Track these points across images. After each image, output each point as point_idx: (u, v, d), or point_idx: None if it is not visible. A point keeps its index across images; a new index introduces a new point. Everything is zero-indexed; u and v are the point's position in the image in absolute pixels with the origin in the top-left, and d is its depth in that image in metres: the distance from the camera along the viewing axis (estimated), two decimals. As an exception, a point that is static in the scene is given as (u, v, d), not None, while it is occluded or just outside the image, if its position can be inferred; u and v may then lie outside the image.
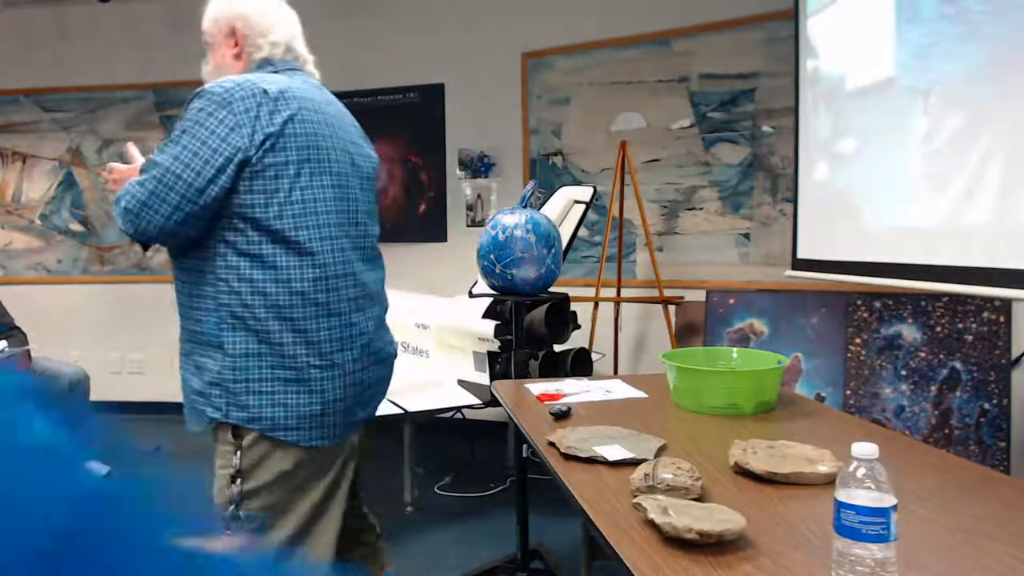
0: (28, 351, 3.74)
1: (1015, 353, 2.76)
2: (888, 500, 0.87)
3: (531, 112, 4.50)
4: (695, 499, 1.15)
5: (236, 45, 1.59)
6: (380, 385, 1.69)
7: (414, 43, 4.67)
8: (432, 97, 4.70)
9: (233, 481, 1.45)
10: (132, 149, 1.66)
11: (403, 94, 4.77)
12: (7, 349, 3.59)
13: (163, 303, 5.78)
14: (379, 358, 1.64)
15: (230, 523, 1.43)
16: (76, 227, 5.32)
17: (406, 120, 4.76)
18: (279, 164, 1.45)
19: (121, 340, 5.22)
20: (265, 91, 1.45)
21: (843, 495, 0.89)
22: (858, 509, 0.87)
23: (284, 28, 1.62)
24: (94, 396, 3.91)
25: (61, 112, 5.26)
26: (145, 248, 1.53)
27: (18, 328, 3.83)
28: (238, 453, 1.46)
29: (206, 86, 1.46)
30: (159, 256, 5.23)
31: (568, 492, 1.24)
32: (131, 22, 5.10)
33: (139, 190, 1.41)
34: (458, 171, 4.69)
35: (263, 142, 1.43)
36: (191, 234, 1.45)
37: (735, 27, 3.89)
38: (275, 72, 1.57)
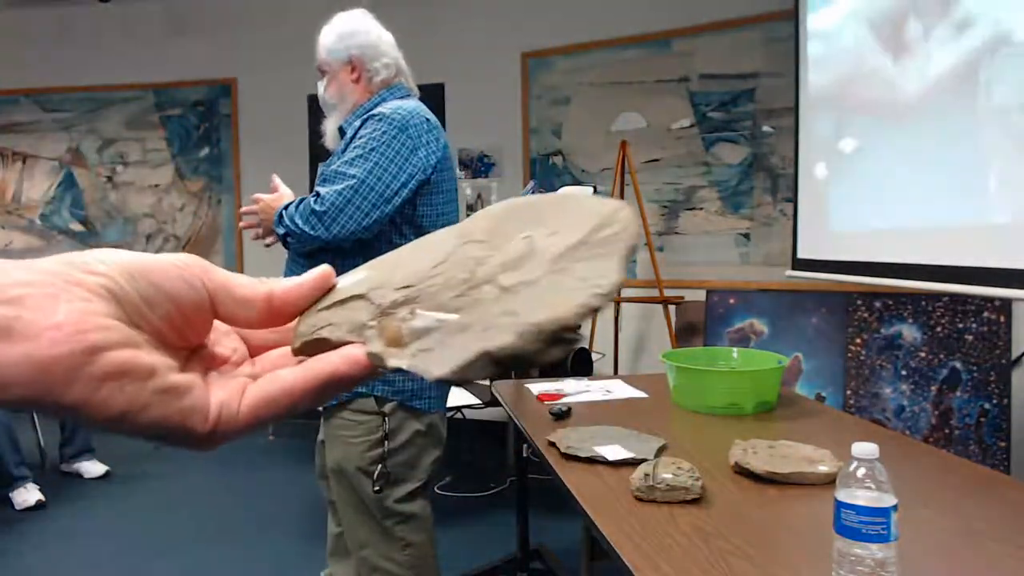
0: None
1: (1015, 353, 2.76)
2: (888, 500, 0.87)
3: (531, 112, 4.50)
4: (695, 499, 1.15)
5: (354, 71, 1.86)
6: None
7: (414, 43, 4.65)
8: (432, 97, 4.68)
9: (380, 443, 1.76)
10: (277, 180, 1.87)
11: (403, 94, 4.76)
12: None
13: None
14: None
15: (376, 479, 1.75)
16: (76, 227, 5.32)
17: (406, 120, 4.76)
18: (444, 181, 1.80)
19: (121, 340, 5.22)
20: (427, 119, 1.77)
21: (843, 495, 0.89)
22: (858, 509, 0.87)
23: (391, 47, 1.90)
24: (94, 396, 3.91)
25: (61, 112, 5.27)
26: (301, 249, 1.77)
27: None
28: (385, 419, 1.76)
29: (384, 111, 1.72)
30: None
31: (568, 492, 1.24)
32: (131, 22, 5.10)
33: (337, 197, 1.67)
34: (458, 171, 4.69)
35: (436, 164, 1.76)
36: (369, 236, 1.71)
37: (735, 27, 3.89)
38: (405, 97, 1.84)
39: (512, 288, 0.36)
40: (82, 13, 5.11)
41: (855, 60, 2.68)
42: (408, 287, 0.38)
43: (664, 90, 4.11)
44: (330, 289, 0.39)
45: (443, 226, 1.76)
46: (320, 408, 1.86)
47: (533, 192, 2.61)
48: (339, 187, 1.67)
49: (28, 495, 3.39)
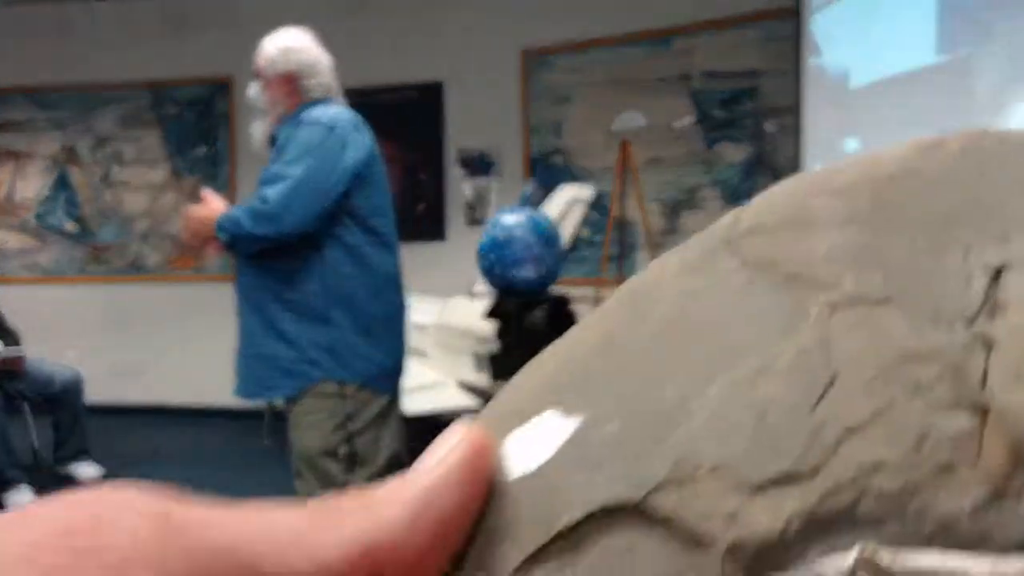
0: (23, 356, 3.70)
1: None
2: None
3: (531, 111, 4.47)
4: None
5: (289, 83, 1.95)
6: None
7: (413, 42, 4.64)
8: (432, 96, 4.66)
9: (343, 425, 1.85)
10: (209, 193, 1.98)
11: (402, 93, 4.73)
12: (1, 350, 3.55)
13: (159, 303, 5.74)
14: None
15: (343, 460, 1.84)
16: (71, 226, 5.27)
17: (405, 119, 4.72)
18: (375, 175, 1.92)
19: (116, 341, 5.17)
20: (352, 120, 1.90)
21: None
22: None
23: (328, 71, 1.99)
24: (88, 397, 3.87)
25: (56, 110, 5.22)
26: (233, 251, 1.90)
27: (12, 329, 3.79)
28: (346, 400, 1.85)
29: (313, 115, 1.85)
30: (154, 256, 5.20)
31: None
32: (127, 19, 5.06)
33: (281, 196, 1.77)
34: (458, 170, 4.66)
35: (365, 159, 1.88)
36: (312, 229, 1.81)
37: (737, 25, 3.86)
38: (327, 104, 1.94)
39: None
40: (78, 11, 5.07)
41: (858, 56, 2.65)
42: (791, 475, 0.14)
43: (665, 88, 4.08)
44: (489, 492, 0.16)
45: (379, 216, 1.77)
46: (284, 403, 1.98)
47: (533, 191, 2.57)
48: (281, 187, 1.79)
49: (21, 497, 3.34)
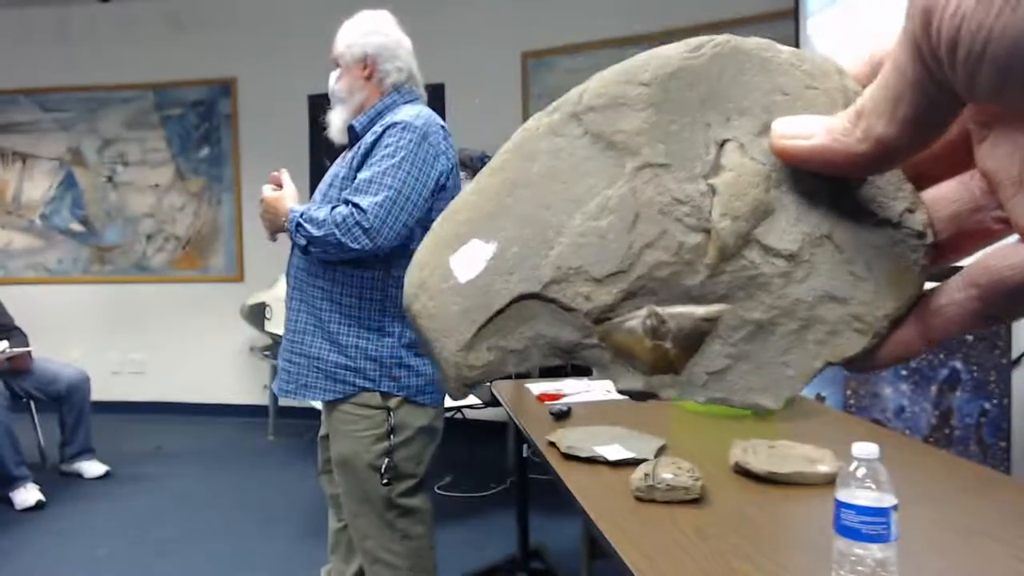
0: (28, 351, 3.74)
1: (1015, 353, 2.76)
2: (888, 500, 0.87)
3: (531, 112, 4.49)
4: (695, 499, 1.15)
5: (366, 68, 1.87)
6: None
7: (414, 43, 4.66)
8: (432, 97, 4.67)
9: (386, 437, 1.80)
10: (285, 176, 1.89)
11: (403, 94, 4.76)
12: (7, 349, 3.60)
13: (164, 303, 5.77)
14: None
15: (384, 473, 1.78)
16: (76, 227, 5.32)
17: (406, 120, 4.75)
18: (455, 187, 1.87)
19: (121, 340, 5.22)
20: (443, 126, 1.84)
21: (843, 495, 0.89)
22: (858, 509, 0.87)
23: (407, 54, 1.92)
24: (94, 396, 3.91)
25: (61, 112, 5.26)
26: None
27: (18, 329, 3.83)
28: (390, 414, 1.79)
29: (406, 119, 1.75)
30: (159, 256, 5.24)
31: (568, 492, 1.24)
32: (131, 22, 5.10)
33: (380, 210, 1.68)
34: (459, 171, 4.69)
35: (451, 169, 1.86)
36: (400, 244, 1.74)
37: (735, 27, 3.88)
38: (413, 99, 1.89)
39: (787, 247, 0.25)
40: (82, 12, 5.11)
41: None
42: (617, 273, 0.26)
43: (664, 90, 4.11)
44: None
45: None
46: (321, 402, 1.88)
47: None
48: (378, 199, 1.69)
49: (28, 495, 3.38)
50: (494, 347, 0.27)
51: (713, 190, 0.26)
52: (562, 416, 1.70)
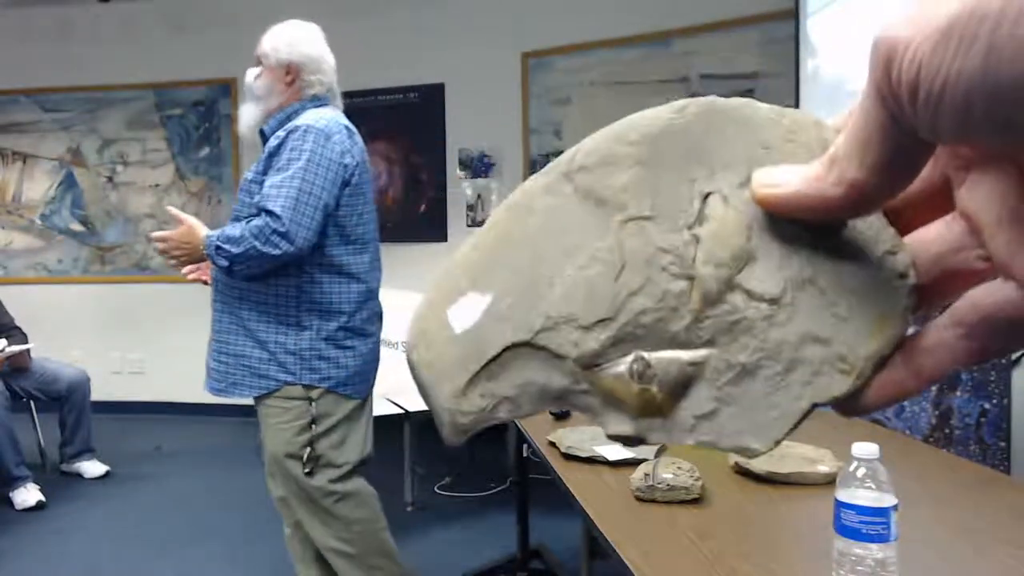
0: (28, 351, 3.74)
1: (1015, 353, 2.76)
2: (888, 500, 0.87)
3: (531, 112, 4.50)
4: (695, 499, 1.15)
5: (289, 75, 1.91)
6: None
7: (414, 43, 4.67)
8: (433, 97, 4.69)
9: (308, 428, 1.87)
10: (176, 211, 1.94)
11: (404, 94, 4.76)
12: (7, 349, 3.60)
13: (163, 303, 5.77)
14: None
15: (306, 462, 1.86)
16: (76, 227, 5.32)
17: (407, 120, 4.76)
18: (363, 183, 1.90)
19: (121, 340, 5.22)
20: (347, 127, 1.87)
21: (843, 495, 0.89)
22: (858, 509, 0.87)
23: (331, 70, 1.96)
24: (94, 396, 3.91)
25: (61, 112, 5.26)
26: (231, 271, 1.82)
27: (18, 328, 3.83)
28: (312, 404, 1.87)
29: (308, 123, 1.79)
30: (159, 256, 5.23)
31: (568, 492, 1.24)
32: (131, 22, 5.10)
33: (291, 212, 1.72)
34: (458, 171, 4.69)
35: (356, 166, 1.87)
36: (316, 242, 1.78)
37: (735, 27, 3.89)
38: (323, 105, 1.91)
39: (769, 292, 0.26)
40: (82, 12, 5.11)
41: (856, 60, 2.68)
42: (604, 320, 0.27)
43: (664, 90, 4.11)
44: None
45: (362, 224, 1.78)
46: (253, 400, 1.95)
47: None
48: (288, 202, 1.74)
49: (28, 495, 3.38)
50: (487, 393, 0.28)
51: (697, 239, 0.27)
52: (562, 416, 1.70)
